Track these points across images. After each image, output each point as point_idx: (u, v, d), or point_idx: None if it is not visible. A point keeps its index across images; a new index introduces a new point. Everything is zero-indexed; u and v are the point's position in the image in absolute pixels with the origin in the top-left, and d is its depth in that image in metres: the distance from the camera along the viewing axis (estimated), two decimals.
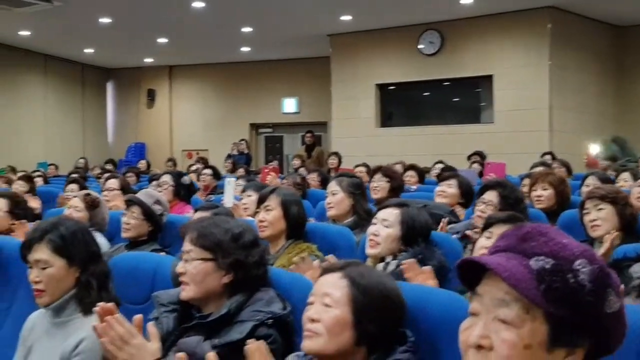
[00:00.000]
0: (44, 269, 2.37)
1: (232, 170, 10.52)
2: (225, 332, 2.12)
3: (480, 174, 7.55)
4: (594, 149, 11.67)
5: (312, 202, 5.34)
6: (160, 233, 4.11)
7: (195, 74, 18.31)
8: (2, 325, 3.07)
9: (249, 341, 1.83)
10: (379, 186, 5.03)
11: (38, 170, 10.19)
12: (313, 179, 7.20)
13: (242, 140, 14.72)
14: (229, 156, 13.04)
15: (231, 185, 5.25)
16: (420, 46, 13.59)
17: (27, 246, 2.43)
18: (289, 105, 17.50)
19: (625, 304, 1.27)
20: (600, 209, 3.49)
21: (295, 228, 3.44)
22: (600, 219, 3.47)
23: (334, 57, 14.76)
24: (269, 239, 3.35)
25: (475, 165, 8.87)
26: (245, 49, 16.21)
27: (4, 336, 2.95)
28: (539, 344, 1.18)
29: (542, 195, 4.63)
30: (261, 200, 3.51)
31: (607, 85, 13.62)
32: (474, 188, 4.89)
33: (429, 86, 14.12)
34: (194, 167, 10.28)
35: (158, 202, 4.14)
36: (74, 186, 6.21)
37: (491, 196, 3.88)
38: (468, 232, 3.67)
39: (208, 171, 8.03)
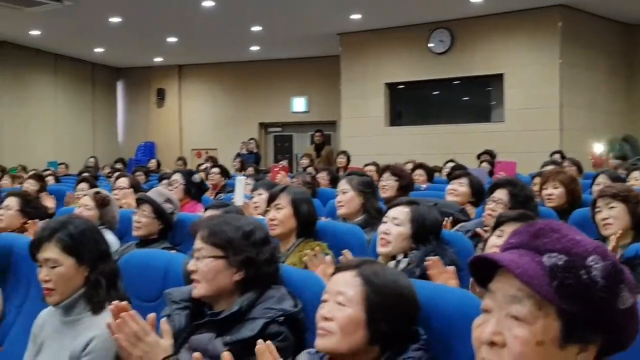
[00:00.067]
0: (53, 267, 2.37)
1: (241, 170, 10.54)
2: (236, 329, 2.13)
3: (491, 173, 7.53)
4: (599, 148, 11.65)
5: (322, 200, 5.34)
6: (170, 231, 4.12)
7: (205, 73, 18.34)
8: (14, 323, 3.08)
9: (259, 341, 1.84)
10: (387, 185, 5.02)
11: (48, 169, 10.24)
12: (323, 177, 7.20)
13: (252, 139, 14.74)
14: (238, 155, 13.07)
15: (241, 184, 5.26)
16: (430, 45, 13.56)
17: (36, 245, 2.43)
18: (299, 104, 17.50)
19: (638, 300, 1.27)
20: (611, 207, 3.48)
21: (306, 226, 3.45)
22: (612, 217, 3.46)
23: (343, 56, 14.74)
24: (279, 238, 3.36)
25: (485, 164, 8.85)
26: (254, 48, 16.22)
27: (17, 333, 2.96)
28: (551, 340, 1.18)
29: (553, 193, 4.62)
30: (272, 199, 3.52)
31: (617, 84, 13.56)
32: (485, 187, 4.88)
33: (439, 85, 14.07)
34: (203, 166, 10.30)
35: (168, 200, 4.15)
36: (84, 185, 6.23)
37: (501, 194, 3.87)
38: (478, 230, 3.66)
39: (216, 170, 8.05)
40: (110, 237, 4.00)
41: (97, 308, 2.36)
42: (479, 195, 4.82)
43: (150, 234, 4.01)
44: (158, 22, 13.68)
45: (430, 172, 7.47)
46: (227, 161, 11.73)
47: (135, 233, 4.02)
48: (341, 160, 10.61)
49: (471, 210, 4.71)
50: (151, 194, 4.19)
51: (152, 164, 12.90)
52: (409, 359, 1.80)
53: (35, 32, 14.49)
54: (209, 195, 6.94)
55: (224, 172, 8.11)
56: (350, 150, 11.27)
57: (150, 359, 2.02)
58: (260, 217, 4.05)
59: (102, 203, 4.40)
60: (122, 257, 3.10)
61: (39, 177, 7.30)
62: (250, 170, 9.62)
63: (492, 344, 1.21)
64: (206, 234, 2.25)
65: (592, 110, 12.86)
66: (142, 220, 4.00)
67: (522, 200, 3.81)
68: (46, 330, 2.46)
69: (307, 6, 12.37)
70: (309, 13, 12.87)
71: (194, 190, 5.73)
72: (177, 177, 5.74)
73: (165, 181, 6.28)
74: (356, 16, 13.13)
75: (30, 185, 6.84)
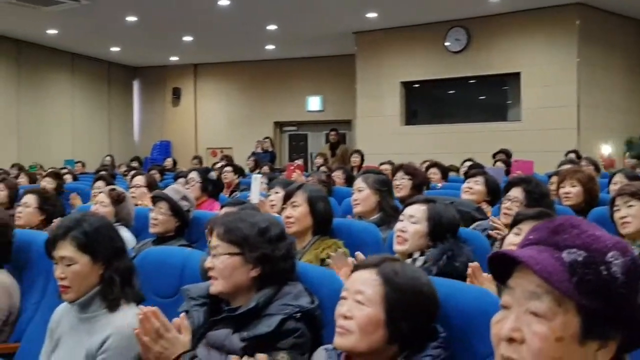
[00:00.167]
0: (68, 265, 2.38)
1: (255, 168, 10.55)
2: (253, 325, 2.13)
3: (507, 172, 7.48)
4: (607, 149, 11.58)
5: (338, 199, 5.34)
6: (187, 229, 4.14)
7: (220, 72, 18.39)
8: (32, 319, 3.11)
9: (258, 355, 1.85)
10: (401, 184, 5.01)
11: (65, 168, 10.31)
12: (338, 176, 7.21)
13: (267, 138, 14.75)
14: (253, 154, 13.08)
15: (257, 182, 5.26)
16: (446, 43, 13.52)
17: (51, 243, 2.43)
18: (314, 103, 17.51)
19: None
20: (630, 206, 3.46)
21: (322, 224, 3.45)
22: (631, 216, 3.44)
23: (359, 54, 14.73)
24: (295, 235, 3.35)
25: (499, 164, 8.79)
26: (270, 47, 16.25)
27: (35, 329, 2.98)
28: (571, 336, 1.18)
29: (570, 192, 4.59)
30: (288, 197, 3.52)
31: (635, 83, 13.45)
32: (500, 186, 4.86)
33: (455, 84, 14.03)
34: (218, 165, 10.31)
35: (185, 198, 4.17)
36: (101, 183, 6.26)
37: (516, 193, 3.86)
38: (490, 233, 3.65)
39: (229, 169, 8.06)
40: (125, 234, 4.02)
41: (112, 305, 2.37)
42: (494, 193, 4.79)
43: (166, 231, 4.03)
44: (174, 22, 13.73)
45: (445, 170, 7.44)
46: (242, 160, 11.77)
47: (152, 230, 4.05)
48: (355, 159, 10.60)
49: (487, 209, 4.69)
50: (168, 191, 4.21)
51: (168, 162, 12.93)
52: (428, 357, 1.79)
53: (52, 31, 14.60)
54: (224, 194, 6.95)
55: (238, 171, 8.12)
56: (366, 150, 11.25)
57: (169, 355, 2.03)
58: (277, 215, 4.05)
59: (117, 200, 4.43)
60: (139, 254, 3.12)
61: (57, 175, 7.35)
62: (265, 169, 9.63)
63: (511, 340, 1.21)
64: (222, 231, 2.26)
65: (609, 110, 12.77)
66: (159, 218, 4.02)
67: (538, 197, 3.80)
68: (63, 326, 2.47)
69: (323, 5, 12.37)
70: (325, 12, 12.87)
71: (211, 188, 5.76)
72: (194, 175, 5.76)
73: (181, 179, 6.30)
74: (372, 15, 13.12)
75: (47, 184, 6.89)
